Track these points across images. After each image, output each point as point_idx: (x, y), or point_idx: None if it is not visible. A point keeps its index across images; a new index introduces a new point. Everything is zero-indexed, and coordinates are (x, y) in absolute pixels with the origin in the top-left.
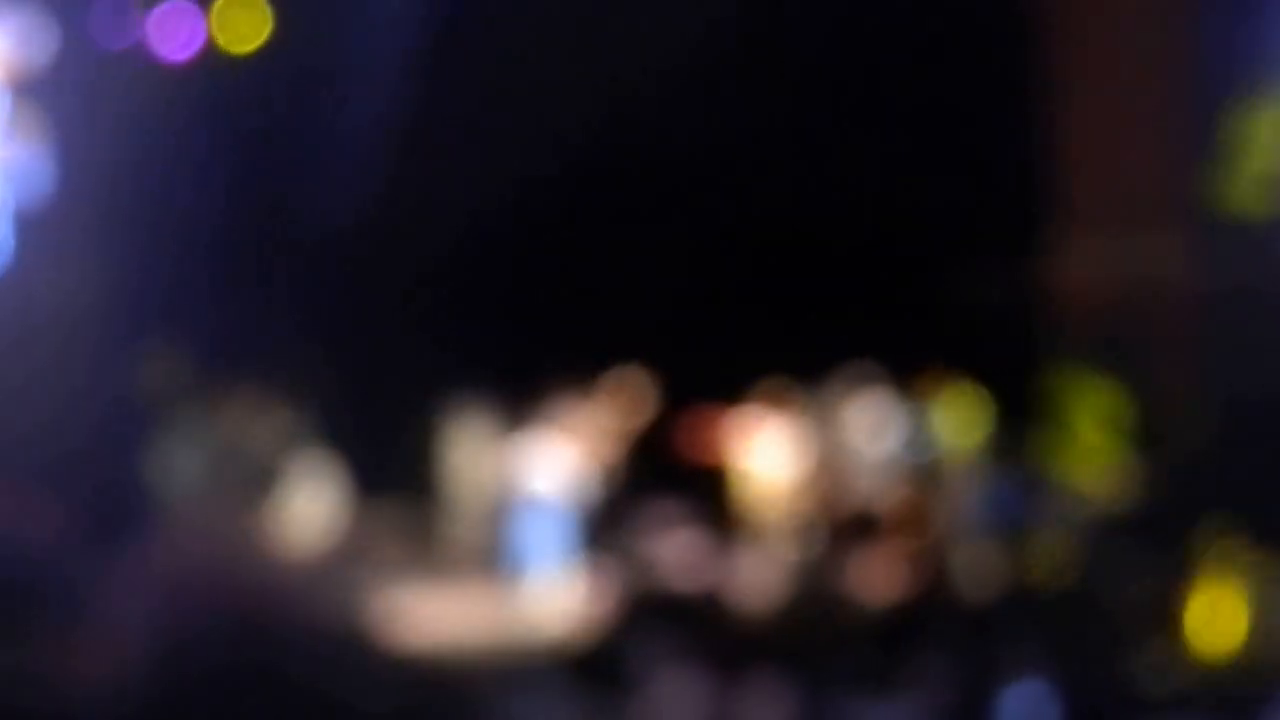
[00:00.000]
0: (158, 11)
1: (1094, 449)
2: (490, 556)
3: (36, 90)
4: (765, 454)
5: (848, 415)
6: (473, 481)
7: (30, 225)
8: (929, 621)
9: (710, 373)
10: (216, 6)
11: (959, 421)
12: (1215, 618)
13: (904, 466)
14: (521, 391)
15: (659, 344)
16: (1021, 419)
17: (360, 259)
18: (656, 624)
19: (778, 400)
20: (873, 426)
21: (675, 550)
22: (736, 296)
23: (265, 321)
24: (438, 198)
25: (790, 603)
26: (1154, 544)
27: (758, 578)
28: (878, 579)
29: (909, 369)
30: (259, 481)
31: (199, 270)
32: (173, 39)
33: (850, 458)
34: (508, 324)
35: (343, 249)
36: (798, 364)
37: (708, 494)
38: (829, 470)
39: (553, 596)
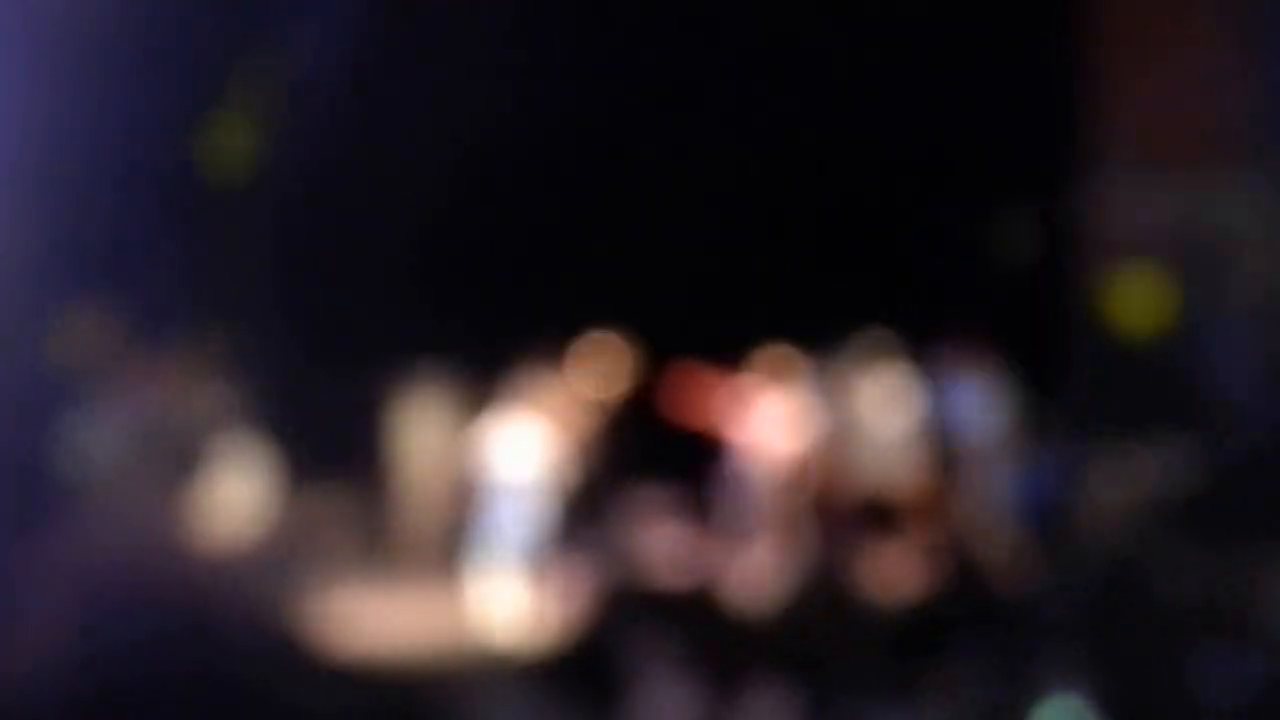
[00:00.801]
0: None
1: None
2: (449, 549)
3: None
4: (764, 432)
5: (859, 388)
6: (428, 464)
7: None
8: (952, 624)
9: (700, 338)
10: None
11: (985, 396)
12: None
13: (924, 447)
14: (484, 361)
15: (641, 305)
16: (1057, 393)
17: (300, 215)
18: (642, 626)
19: (778, 370)
20: (888, 401)
21: (663, 542)
22: (730, 249)
23: (192, 283)
24: (384, 149)
25: (794, 601)
26: (1213, 534)
27: (756, 572)
28: (893, 575)
29: (930, 336)
30: (184, 462)
31: (117, 223)
32: None
33: (863, 436)
34: (467, 286)
35: (280, 204)
36: (801, 329)
37: (699, 478)
38: (838, 450)
39: (521, 595)
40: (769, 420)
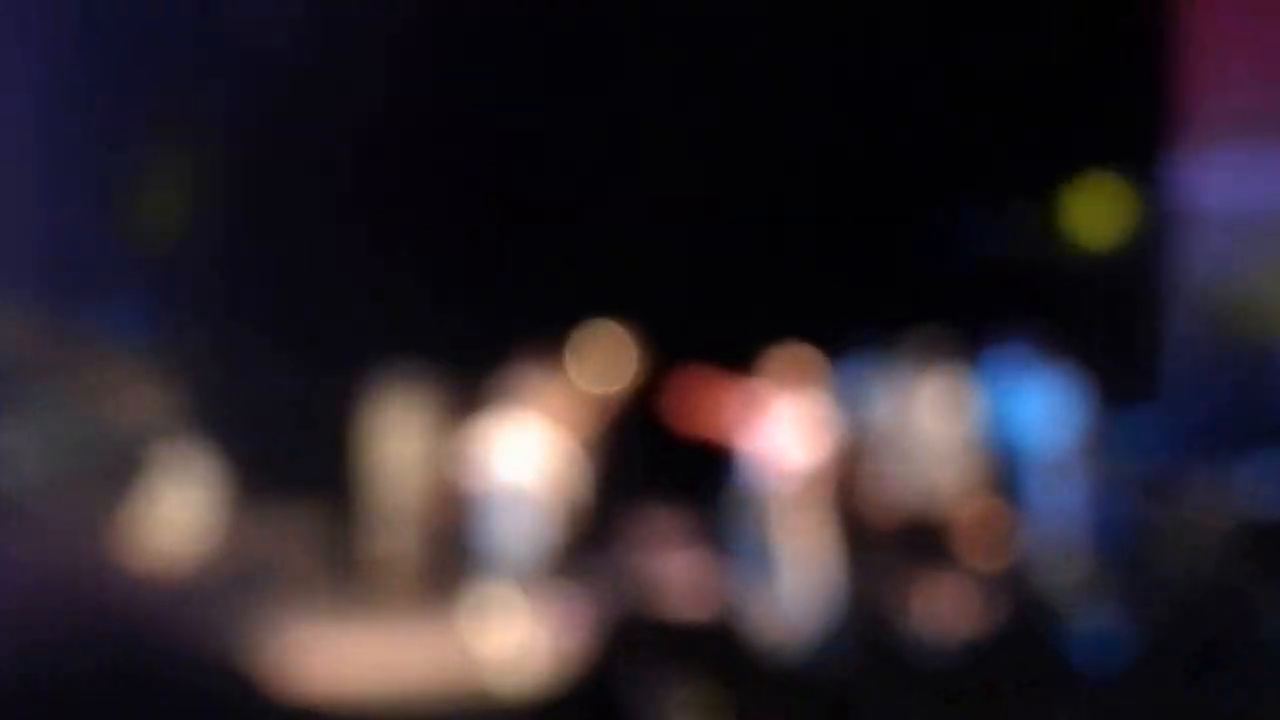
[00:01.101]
0: None
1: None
2: (431, 574)
3: None
4: (781, 442)
5: (907, 393)
6: (406, 475)
7: None
8: (1011, 666)
9: (711, 333)
10: None
11: (1055, 402)
12: None
13: (981, 459)
14: (470, 357)
15: (646, 294)
16: (1139, 400)
17: (252, 193)
18: (651, 664)
19: (795, 372)
20: (940, 408)
21: (675, 566)
22: (749, 234)
23: (128, 271)
24: (345, 120)
25: (826, 640)
26: None
27: (783, 605)
28: (943, 609)
29: (991, 334)
30: (121, 474)
31: (46, 218)
32: None
33: (909, 447)
34: (450, 271)
35: (232, 179)
36: (831, 327)
37: (717, 494)
38: (880, 463)
39: (516, 627)
40: (785, 429)
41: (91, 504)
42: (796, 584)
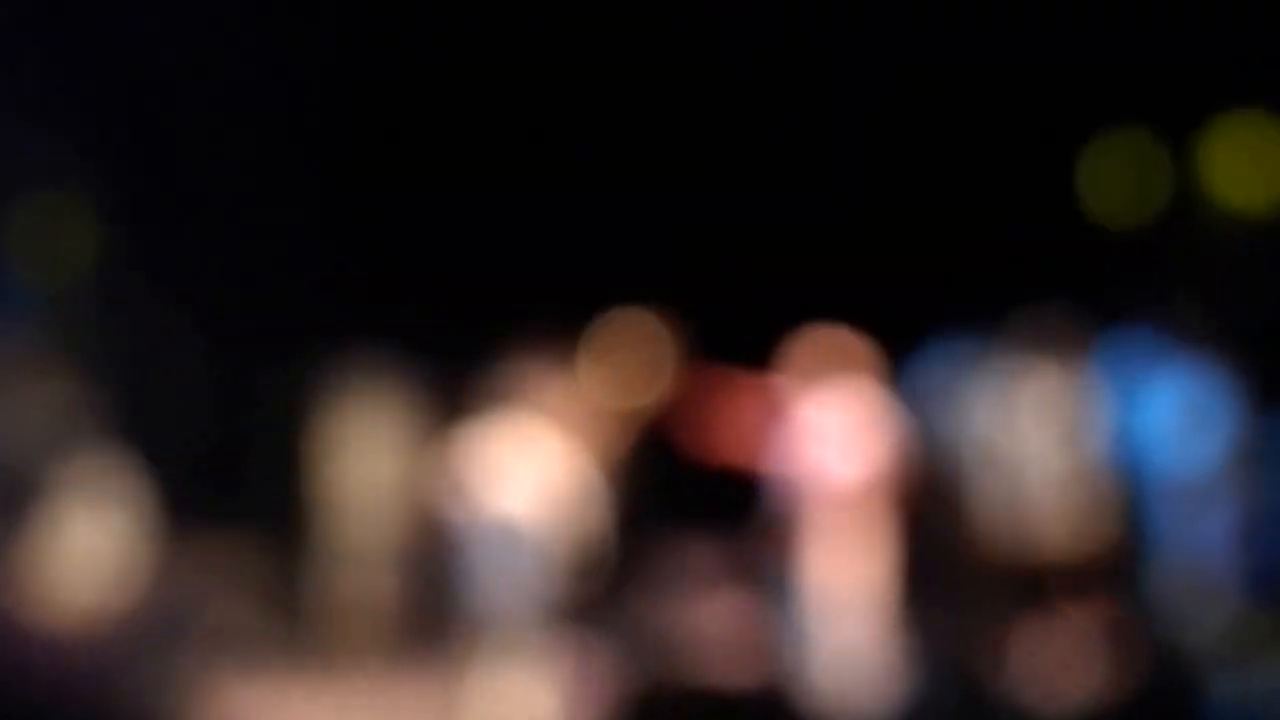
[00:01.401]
0: None
1: None
2: (402, 625)
3: None
4: (835, 453)
5: (1000, 395)
6: (373, 498)
7: None
8: None
9: (758, 324)
10: None
11: (1195, 407)
12: None
13: (1097, 480)
14: (453, 351)
15: (682, 277)
16: None
17: (187, 159)
18: None
19: (850, 361)
20: (1043, 414)
21: (709, 617)
22: (798, 207)
23: (30, 253)
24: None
25: (901, 705)
26: None
27: (843, 666)
28: (1050, 667)
29: (1102, 320)
30: (18, 494)
31: None
32: None
33: (1006, 465)
34: (427, 248)
35: (159, 148)
36: (904, 309)
37: (758, 522)
38: (967, 486)
39: (511, 694)
40: (824, 435)
41: None
42: (850, 635)
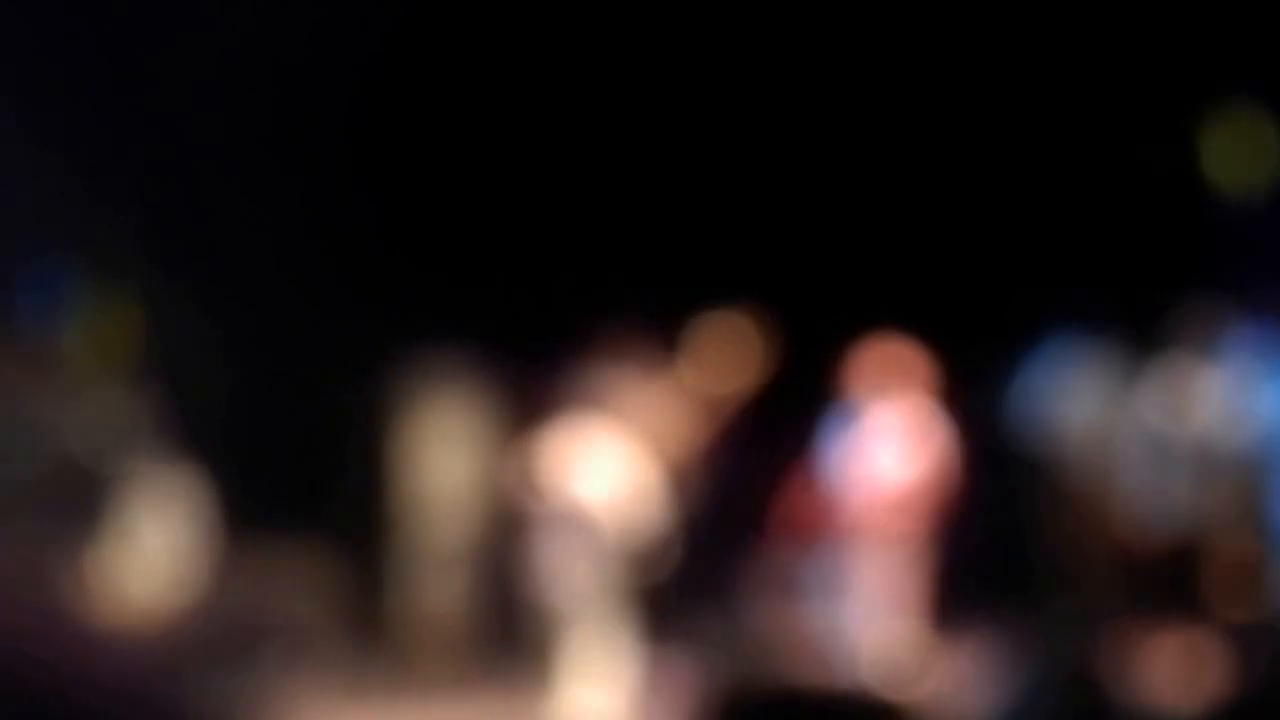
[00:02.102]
0: None
1: None
2: (482, 634)
3: None
4: (891, 457)
5: (1120, 388)
6: (449, 502)
7: None
8: None
9: (859, 318)
10: None
11: None
12: None
13: (1224, 476)
14: (536, 355)
15: (781, 272)
16: None
17: (263, 162)
18: None
19: (906, 369)
20: (1167, 407)
21: (807, 621)
22: (904, 199)
23: (92, 246)
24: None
25: (1013, 713)
26: None
27: (953, 669)
28: (1175, 674)
29: (1235, 306)
30: (77, 496)
31: None
32: None
33: (1127, 462)
34: (514, 251)
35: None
36: (1016, 293)
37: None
38: (1085, 484)
39: (595, 703)
40: (882, 440)
41: (45, 536)
42: (972, 639)
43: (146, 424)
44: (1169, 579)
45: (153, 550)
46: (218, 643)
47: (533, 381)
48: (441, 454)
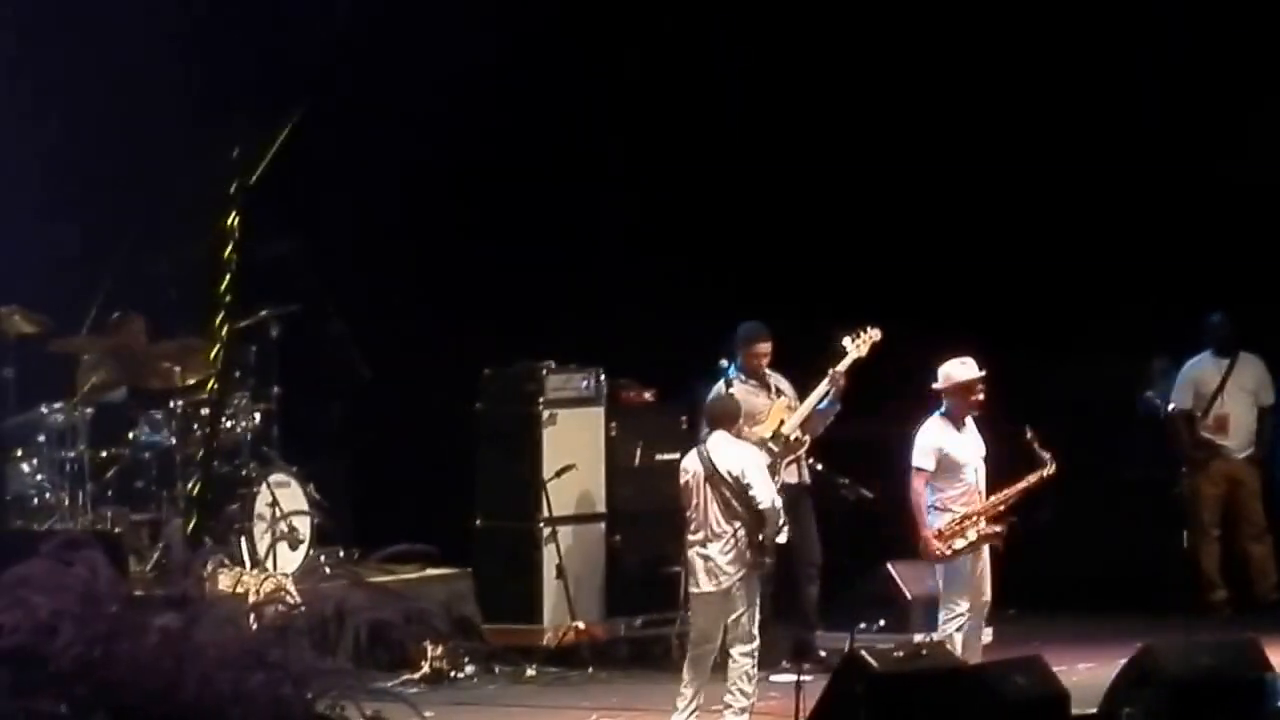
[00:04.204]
0: None
1: None
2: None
3: None
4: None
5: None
6: (588, 516)
7: None
8: None
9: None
10: None
11: None
12: None
13: None
14: (670, 371)
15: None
16: None
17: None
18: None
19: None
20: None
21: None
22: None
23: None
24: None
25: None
26: None
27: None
28: None
29: None
30: (198, 497)
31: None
32: None
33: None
34: (645, 271)
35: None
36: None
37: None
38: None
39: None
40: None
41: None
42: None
43: (268, 430)
44: None
45: (278, 559)
46: (339, 651)
47: (664, 397)
48: (577, 468)
